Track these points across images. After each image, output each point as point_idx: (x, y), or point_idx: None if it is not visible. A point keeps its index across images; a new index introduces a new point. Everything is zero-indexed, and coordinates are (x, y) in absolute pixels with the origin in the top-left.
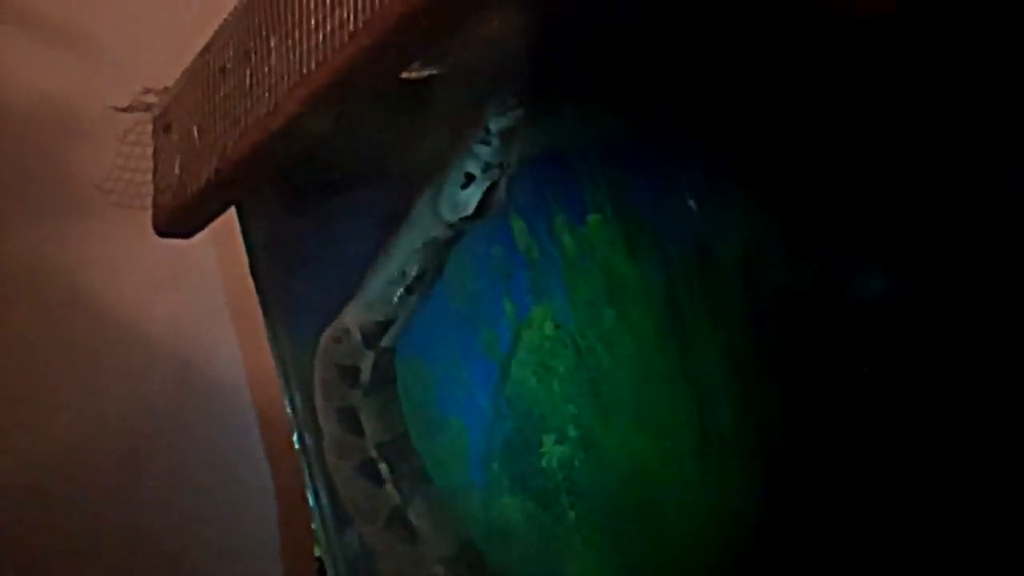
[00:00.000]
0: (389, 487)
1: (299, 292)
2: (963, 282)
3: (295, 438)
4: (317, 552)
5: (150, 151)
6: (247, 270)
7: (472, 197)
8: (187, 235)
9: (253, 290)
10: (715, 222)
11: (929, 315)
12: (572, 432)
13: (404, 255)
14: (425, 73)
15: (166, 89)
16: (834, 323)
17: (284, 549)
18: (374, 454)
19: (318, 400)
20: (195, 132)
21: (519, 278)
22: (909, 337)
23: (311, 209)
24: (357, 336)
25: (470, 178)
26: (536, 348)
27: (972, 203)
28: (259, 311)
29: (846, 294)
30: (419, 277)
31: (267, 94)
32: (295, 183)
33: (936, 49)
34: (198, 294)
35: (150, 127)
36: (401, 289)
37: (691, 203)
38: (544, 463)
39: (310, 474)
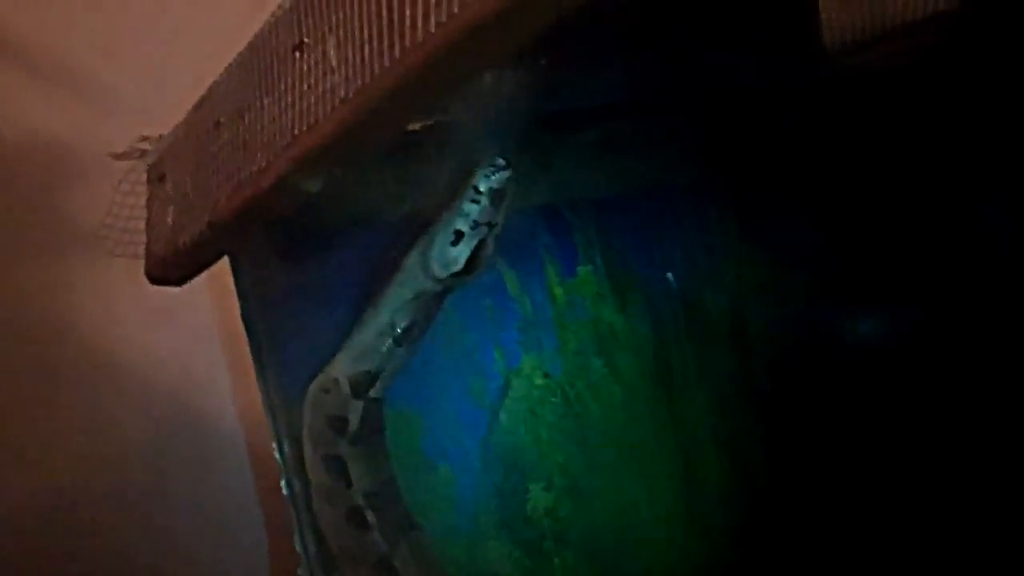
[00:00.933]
0: (375, 534)
1: (289, 341)
2: (948, 329)
3: (283, 483)
4: None
5: (143, 200)
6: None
7: (461, 254)
8: (179, 283)
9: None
10: (703, 274)
11: (912, 360)
12: (558, 480)
13: (393, 307)
14: (418, 126)
15: (161, 137)
16: (819, 370)
17: None
18: (361, 502)
19: (307, 448)
20: (188, 184)
21: (509, 328)
22: (891, 382)
23: (303, 259)
24: (346, 387)
25: (459, 235)
26: (525, 397)
27: (953, 248)
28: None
29: (832, 342)
30: (408, 329)
31: (259, 152)
32: (287, 233)
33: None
34: (192, 333)
35: (145, 175)
36: (390, 340)
37: (669, 276)
38: (530, 510)
39: (298, 519)
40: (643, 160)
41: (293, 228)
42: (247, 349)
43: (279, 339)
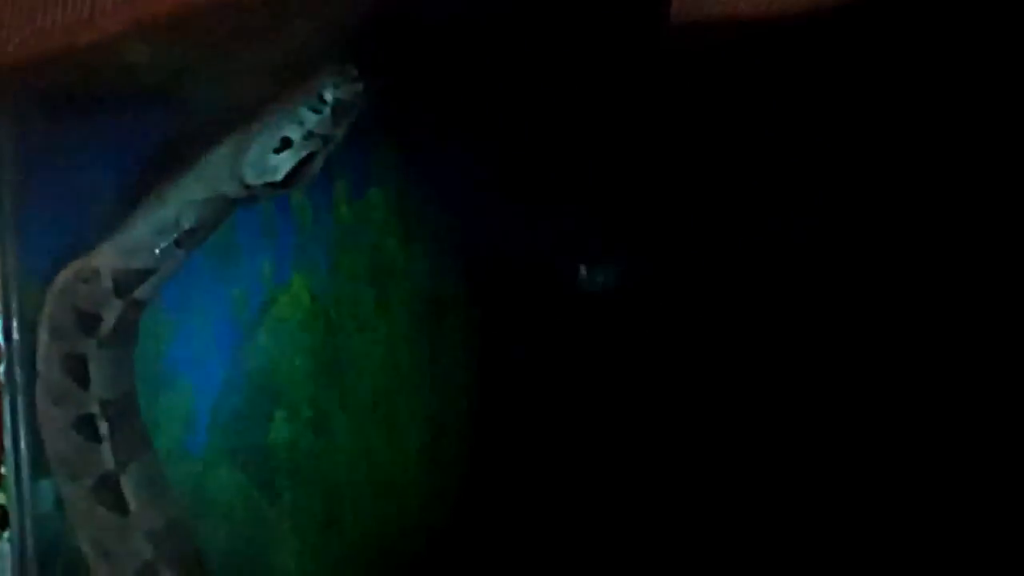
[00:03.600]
0: (105, 448)
1: (40, 211)
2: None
3: (1, 369)
4: (1, 499)
5: None
6: None
7: (283, 164)
8: None
9: None
10: (483, 225)
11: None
12: (306, 411)
13: (181, 204)
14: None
15: None
16: (594, 328)
17: None
18: (96, 410)
19: (42, 337)
20: None
21: (285, 240)
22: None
23: (77, 121)
24: (108, 282)
25: (286, 143)
26: (287, 318)
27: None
28: None
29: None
30: (192, 231)
31: None
32: (63, 87)
33: None
34: None
35: None
36: (170, 240)
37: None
38: (269, 439)
39: (11, 413)
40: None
41: (72, 83)
42: None
43: (27, 205)
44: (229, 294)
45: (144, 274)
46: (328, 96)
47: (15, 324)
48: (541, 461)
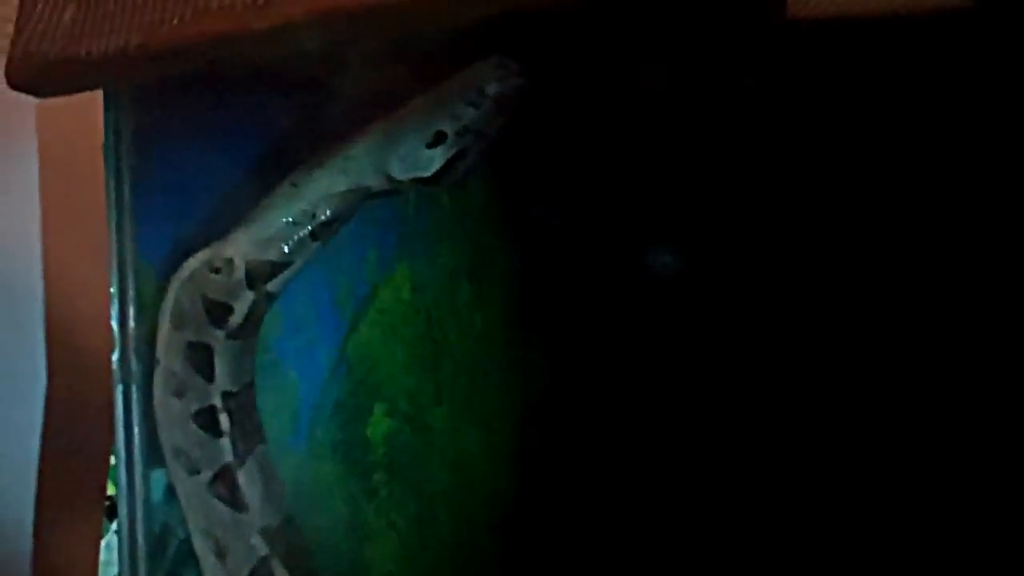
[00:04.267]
0: (225, 441)
1: (164, 194)
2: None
3: (115, 357)
4: (110, 490)
5: None
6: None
7: (435, 159)
8: (47, 95)
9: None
10: (583, 217)
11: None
12: (403, 406)
13: (318, 196)
14: None
15: None
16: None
17: (45, 470)
18: (218, 402)
19: (163, 326)
20: None
21: (390, 231)
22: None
23: (203, 107)
24: (240, 272)
25: (440, 137)
26: (389, 309)
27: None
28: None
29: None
30: (327, 223)
31: None
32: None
33: None
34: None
35: None
36: (305, 231)
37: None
38: (370, 434)
39: (124, 402)
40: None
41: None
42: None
43: (150, 191)
44: (335, 284)
45: (278, 266)
46: (490, 90)
47: (131, 310)
48: (627, 461)
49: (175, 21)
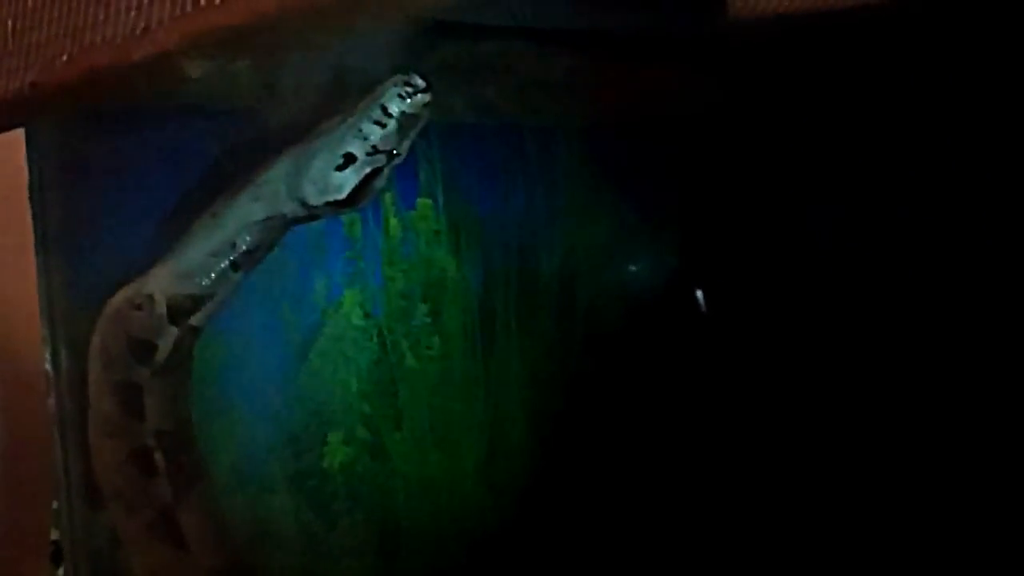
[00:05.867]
0: (162, 481)
1: (88, 234)
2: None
3: (50, 401)
4: (54, 535)
5: None
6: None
7: (347, 182)
8: None
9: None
10: (540, 230)
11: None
12: (361, 433)
13: (238, 226)
14: None
15: None
16: (644, 346)
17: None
18: (151, 442)
19: (93, 367)
20: (9, 25)
21: (336, 256)
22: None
23: (124, 139)
24: (162, 308)
25: (349, 159)
26: (340, 337)
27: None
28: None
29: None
30: (249, 252)
31: (133, 12)
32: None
33: None
34: None
35: None
36: (226, 262)
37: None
38: (326, 463)
39: (63, 446)
40: (508, 94)
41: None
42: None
43: (75, 229)
44: (280, 314)
45: (200, 300)
46: (394, 109)
47: (63, 352)
48: (597, 478)
49: (64, 58)
